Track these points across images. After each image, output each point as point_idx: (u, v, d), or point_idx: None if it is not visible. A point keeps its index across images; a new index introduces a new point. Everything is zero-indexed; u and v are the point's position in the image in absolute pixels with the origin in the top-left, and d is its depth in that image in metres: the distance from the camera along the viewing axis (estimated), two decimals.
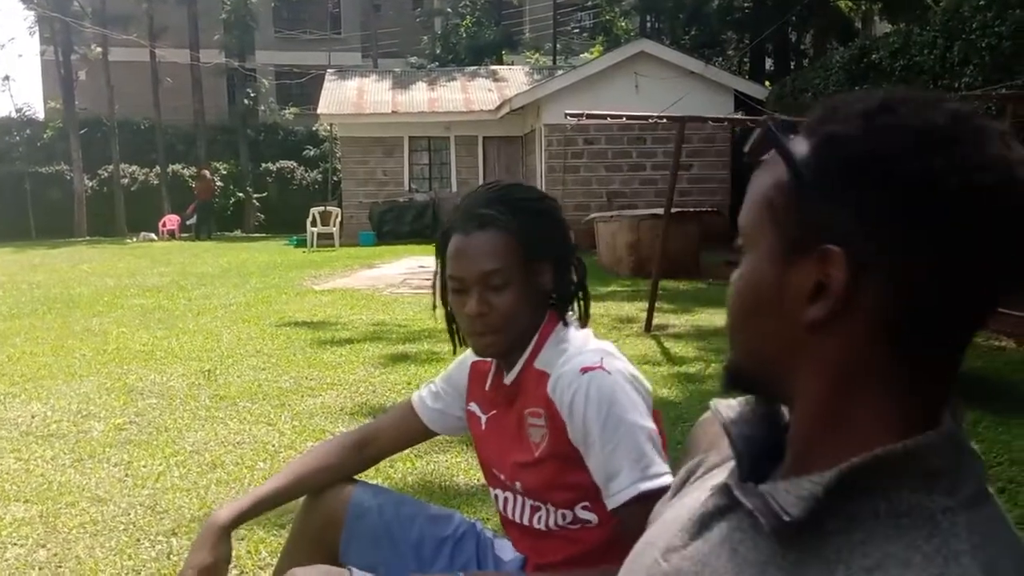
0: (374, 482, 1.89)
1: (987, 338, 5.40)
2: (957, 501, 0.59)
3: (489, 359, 1.47)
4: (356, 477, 1.64)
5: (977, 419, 4.03)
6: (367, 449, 1.62)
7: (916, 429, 0.60)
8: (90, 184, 23.34)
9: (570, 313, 1.47)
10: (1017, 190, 0.58)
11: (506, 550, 1.54)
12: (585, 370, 1.31)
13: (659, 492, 1.17)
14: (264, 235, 22.34)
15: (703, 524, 0.69)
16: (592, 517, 1.38)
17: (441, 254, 1.43)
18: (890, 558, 0.56)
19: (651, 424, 1.32)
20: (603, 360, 1.32)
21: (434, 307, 1.51)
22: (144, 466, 3.45)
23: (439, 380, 1.62)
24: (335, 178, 21.07)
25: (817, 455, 0.62)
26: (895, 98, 0.61)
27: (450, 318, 1.49)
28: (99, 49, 23.54)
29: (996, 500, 0.63)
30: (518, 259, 1.36)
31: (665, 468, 1.28)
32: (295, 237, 17.59)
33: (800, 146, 0.63)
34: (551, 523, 1.42)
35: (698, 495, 0.74)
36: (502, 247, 1.34)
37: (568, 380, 1.33)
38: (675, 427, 3.69)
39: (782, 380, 0.65)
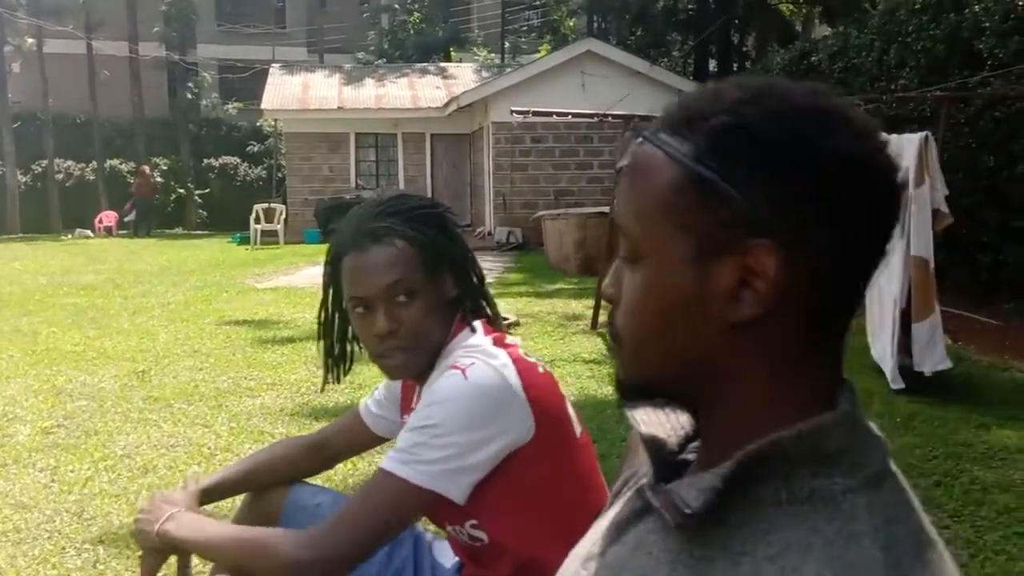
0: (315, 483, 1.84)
1: None
2: (858, 481, 0.58)
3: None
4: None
5: (913, 413, 4.12)
6: (321, 452, 1.63)
7: (814, 413, 0.59)
8: (23, 179, 22.52)
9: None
10: (892, 163, 0.60)
11: (446, 553, 1.50)
12: (453, 367, 1.26)
13: (403, 482, 1.19)
14: (206, 232, 21.85)
15: (620, 529, 0.68)
16: (483, 536, 1.33)
17: (331, 278, 1.39)
18: (792, 545, 0.55)
19: (467, 438, 1.22)
20: (471, 365, 1.25)
21: (318, 337, 1.47)
22: (71, 471, 3.32)
23: (381, 387, 1.59)
24: (280, 174, 20.71)
25: (724, 450, 0.60)
26: (763, 84, 0.61)
27: (329, 348, 1.46)
28: (33, 41, 22.75)
29: (900, 480, 0.62)
30: (420, 268, 1.31)
31: (420, 476, 1.21)
32: (238, 234, 17.23)
33: (682, 146, 0.60)
34: (460, 537, 1.39)
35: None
36: (402, 258, 1.30)
37: (436, 376, 1.30)
38: (620, 424, 3.69)
39: (698, 385, 0.63)
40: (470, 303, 1.40)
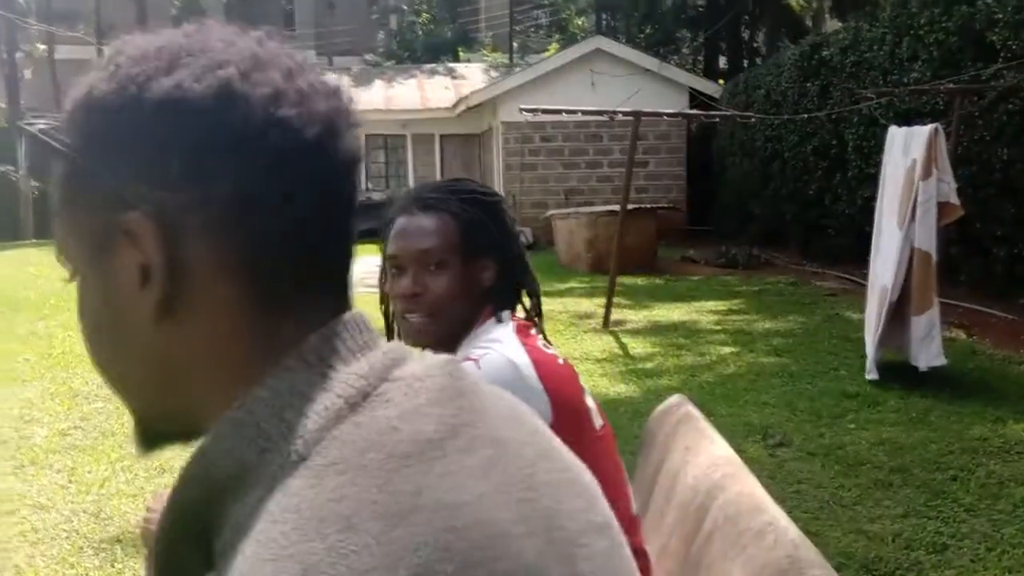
0: None
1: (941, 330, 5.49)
2: (255, 501, 0.46)
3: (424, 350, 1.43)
4: None
5: (930, 408, 4.10)
6: None
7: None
8: (36, 185, 22.70)
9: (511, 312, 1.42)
10: (226, 89, 0.50)
11: None
12: (467, 359, 1.28)
13: None
14: None
15: None
16: None
17: (384, 244, 1.42)
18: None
19: None
20: (485, 355, 1.27)
21: (381, 301, 1.48)
22: (89, 472, 3.34)
23: None
24: None
25: None
26: (140, 42, 0.53)
27: (386, 310, 1.47)
28: (44, 47, 22.91)
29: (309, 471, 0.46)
30: (457, 244, 1.34)
31: None
32: None
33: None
34: None
35: None
36: (442, 229, 1.34)
37: None
38: (632, 422, 3.69)
39: (181, 398, 0.52)
40: (504, 295, 1.41)
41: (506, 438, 0.51)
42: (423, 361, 0.53)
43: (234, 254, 0.50)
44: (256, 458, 0.47)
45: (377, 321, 1.36)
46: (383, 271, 1.45)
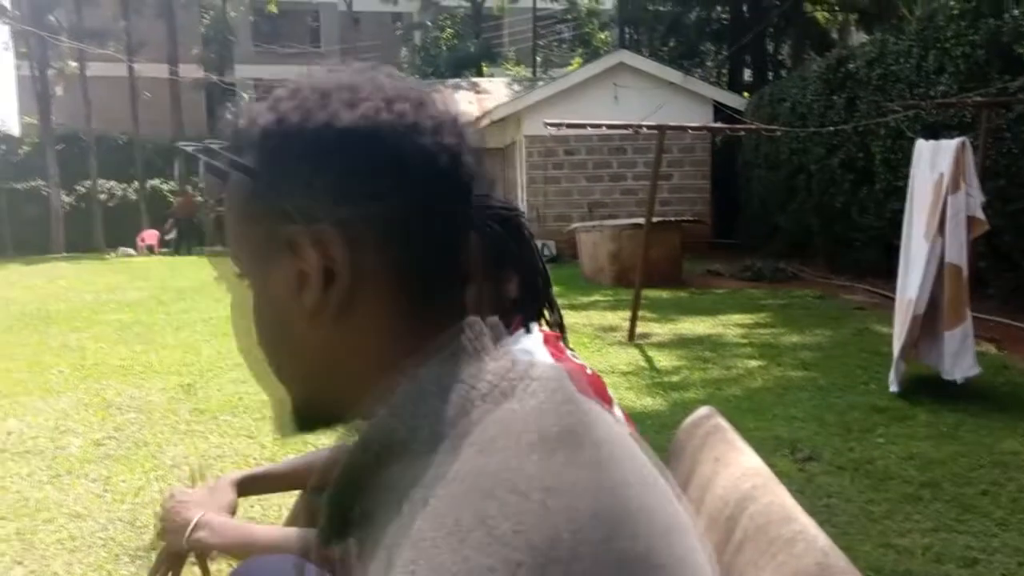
0: None
1: None
2: (416, 471, 0.53)
3: None
4: None
5: (960, 422, 4.06)
6: None
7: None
8: (67, 200, 23.10)
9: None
10: (407, 121, 0.59)
11: None
12: None
13: None
14: None
15: None
16: None
17: None
18: (390, 548, 0.51)
19: None
20: None
21: None
22: (123, 481, 3.40)
23: None
24: None
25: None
26: (310, 76, 0.62)
27: None
28: (76, 64, 23.36)
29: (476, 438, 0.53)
30: (482, 260, 1.36)
31: None
32: None
33: (224, 160, 0.61)
34: None
35: None
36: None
37: None
38: (659, 434, 3.69)
39: (334, 389, 0.61)
40: (530, 307, 1.44)
41: (619, 436, 0.58)
42: (542, 365, 0.61)
43: (389, 263, 0.58)
44: (409, 435, 0.55)
45: None
46: None
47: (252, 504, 2.98)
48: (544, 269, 1.49)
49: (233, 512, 1.52)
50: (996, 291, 7.01)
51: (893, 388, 4.55)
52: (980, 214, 4.41)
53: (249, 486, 1.60)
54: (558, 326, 1.49)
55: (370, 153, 0.57)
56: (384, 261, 0.58)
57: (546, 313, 1.48)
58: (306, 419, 0.64)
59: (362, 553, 0.56)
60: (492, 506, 0.48)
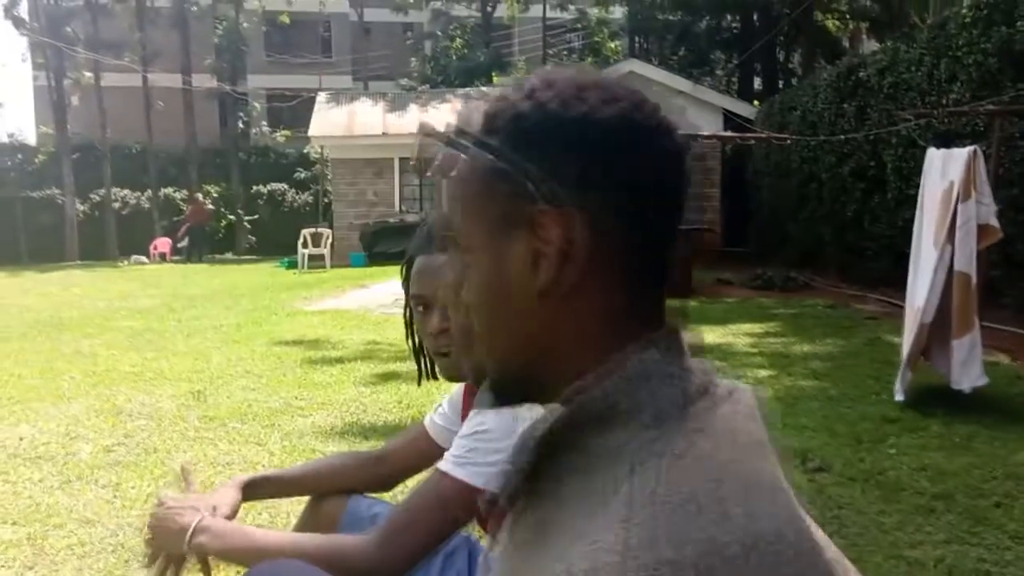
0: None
1: (983, 354, 5.40)
2: (630, 434, 0.58)
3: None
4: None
5: (973, 433, 4.02)
6: (382, 466, 1.66)
7: (620, 365, 0.61)
8: (82, 208, 23.29)
9: None
10: (665, 126, 0.64)
11: None
12: None
13: (460, 483, 1.24)
14: (255, 257, 22.29)
15: (498, 536, 0.70)
16: None
17: (405, 281, 1.46)
18: (576, 516, 0.56)
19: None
20: None
21: (407, 338, 1.55)
22: (133, 487, 3.41)
23: (445, 399, 1.65)
24: (326, 200, 21.08)
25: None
26: (536, 74, 0.65)
27: (416, 348, 1.53)
28: (91, 75, 23.58)
29: (686, 420, 0.58)
30: None
31: (474, 476, 1.26)
32: (286, 259, 17.56)
33: (466, 139, 0.65)
34: None
35: None
36: None
37: None
38: None
39: (541, 366, 0.65)
40: None
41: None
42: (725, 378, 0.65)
43: (621, 250, 0.62)
44: (633, 408, 0.59)
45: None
46: (408, 308, 1.50)
47: (260, 512, 2.98)
48: None
49: (235, 513, 1.52)
50: (1011, 301, 6.96)
51: (899, 397, 4.50)
52: (994, 221, 4.38)
53: (255, 489, 1.60)
54: None
55: (620, 146, 0.61)
56: (617, 248, 0.61)
57: None
58: (505, 393, 0.69)
59: (532, 507, 0.60)
60: (724, 490, 0.52)
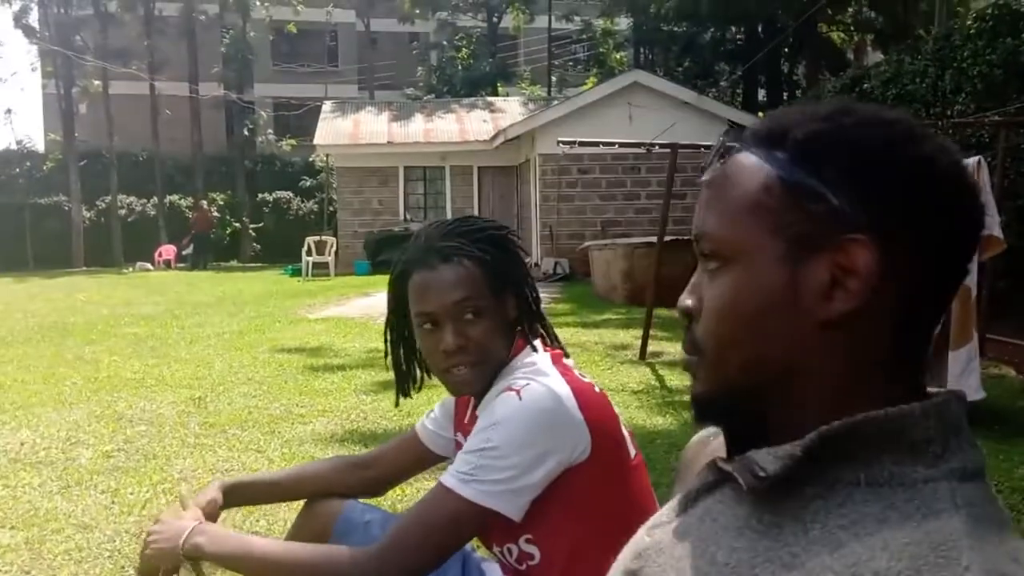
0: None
1: (989, 366, 5.37)
2: (941, 472, 0.58)
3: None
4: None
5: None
6: (367, 471, 1.64)
7: (901, 401, 0.60)
8: (88, 215, 23.39)
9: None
10: (973, 179, 0.64)
11: (495, 574, 1.50)
12: (508, 390, 1.28)
13: (464, 501, 1.21)
14: (260, 265, 22.34)
15: (690, 500, 0.70)
16: (535, 551, 1.34)
17: (397, 295, 1.41)
18: (867, 516, 0.56)
19: (525, 458, 1.24)
20: (526, 386, 1.27)
21: (385, 355, 1.51)
22: (131, 493, 3.40)
23: (437, 405, 1.63)
24: (331, 208, 21.13)
25: (806, 431, 0.61)
26: (844, 102, 0.65)
27: (398, 364, 1.49)
28: (99, 83, 23.71)
29: (990, 487, 0.61)
30: (486, 288, 1.34)
31: (481, 495, 1.23)
32: (291, 266, 17.60)
33: (772, 152, 0.64)
34: (507, 559, 1.39)
35: None
36: (469, 277, 1.33)
37: (492, 398, 1.32)
38: (669, 454, 3.66)
39: (774, 388, 0.63)
40: (529, 323, 1.42)
41: None
42: None
43: (914, 296, 0.61)
44: (922, 439, 0.59)
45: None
46: (390, 322, 1.47)
47: (258, 518, 2.97)
48: (534, 283, 1.48)
49: (216, 515, 1.51)
50: (1016, 313, 6.92)
51: None
52: (998, 232, 4.36)
53: (237, 492, 1.59)
54: (555, 341, 1.47)
55: (953, 192, 0.61)
56: (908, 284, 0.60)
57: (542, 329, 1.46)
58: (711, 407, 0.67)
59: (783, 492, 0.59)
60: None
